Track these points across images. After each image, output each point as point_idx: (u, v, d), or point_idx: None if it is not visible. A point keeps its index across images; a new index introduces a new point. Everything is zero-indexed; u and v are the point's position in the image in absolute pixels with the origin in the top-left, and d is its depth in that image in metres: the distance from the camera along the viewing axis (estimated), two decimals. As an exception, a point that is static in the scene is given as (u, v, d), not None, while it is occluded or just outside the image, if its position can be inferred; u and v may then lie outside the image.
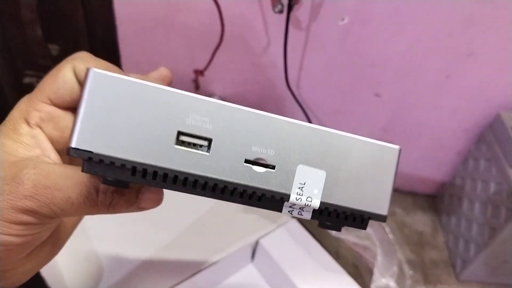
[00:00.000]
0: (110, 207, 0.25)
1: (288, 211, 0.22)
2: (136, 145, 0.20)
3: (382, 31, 0.59)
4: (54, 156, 0.26)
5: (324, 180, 0.21)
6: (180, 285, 0.48)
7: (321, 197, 0.21)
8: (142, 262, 0.50)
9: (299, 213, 0.22)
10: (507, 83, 0.61)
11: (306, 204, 0.21)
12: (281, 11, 0.56)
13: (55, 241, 0.29)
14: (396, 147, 0.22)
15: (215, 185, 0.21)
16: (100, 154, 0.20)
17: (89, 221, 0.52)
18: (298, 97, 0.68)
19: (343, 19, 0.59)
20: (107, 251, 0.50)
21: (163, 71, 0.34)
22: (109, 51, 0.70)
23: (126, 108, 0.20)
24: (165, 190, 0.24)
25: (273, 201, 0.22)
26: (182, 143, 0.20)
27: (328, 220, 0.22)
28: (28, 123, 0.26)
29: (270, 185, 0.21)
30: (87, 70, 0.20)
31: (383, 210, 0.22)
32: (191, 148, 0.20)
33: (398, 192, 0.79)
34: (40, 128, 0.26)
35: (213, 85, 0.72)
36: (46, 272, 0.47)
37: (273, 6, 0.56)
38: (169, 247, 0.52)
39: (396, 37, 0.59)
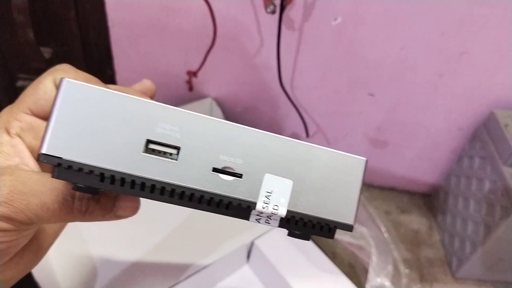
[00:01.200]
0: (86, 214, 0.25)
1: (256, 219, 0.22)
2: (104, 152, 0.21)
3: (376, 31, 0.59)
4: (33, 164, 0.27)
5: (291, 189, 0.22)
6: (175, 287, 0.48)
7: (288, 206, 0.22)
8: (136, 264, 0.50)
9: (267, 221, 0.23)
10: (500, 82, 0.61)
11: (273, 212, 0.22)
12: (273, 12, 0.56)
13: (36, 249, 0.29)
14: (363, 159, 0.23)
15: (183, 193, 0.21)
16: (69, 160, 0.20)
17: (84, 223, 0.52)
18: (292, 98, 0.68)
19: (336, 19, 0.59)
20: (101, 253, 0.50)
21: (146, 83, 0.34)
22: (102, 54, 0.70)
23: (96, 116, 0.21)
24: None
25: (240, 209, 0.22)
26: (151, 151, 0.21)
27: (296, 228, 0.23)
28: (8, 133, 0.26)
29: (237, 193, 0.22)
30: (61, 80, 0.21)
31: (349, 220, 0.23)
32: (160, 156, 0.21)
33: (394, 191, 0.79)
34: (20, 137, 0.27)
35: (207, 86, 0.72)
36: (40, 275, 0.47)
37: (266, 6, 0.56)
38: (164, 248, 0.52)
39: (389, 37, 0.59)
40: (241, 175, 0.22)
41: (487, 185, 0.61)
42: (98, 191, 0.23)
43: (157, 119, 0.21)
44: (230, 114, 0.75)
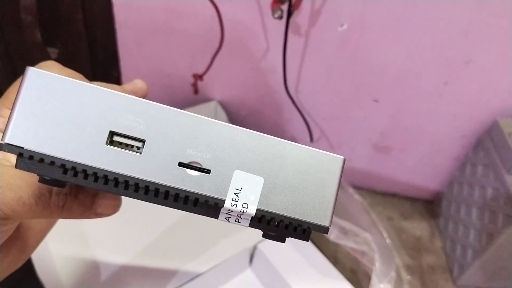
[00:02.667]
0: (64, 210, 0.25)
1: (225, 218, 0.21)
2: (67, 144, 0.20)
3: (381, 38, 0.60)
4: (14, 160, 0.26)
5: (261, 187, 0.21)
6: (179, 290, 0.49)
7: (258, 204, 0.21)
8: (139, 267, 0.50)
9: (237, 220, 0.21)
10: (505, 90, 0.62)
11: (242, 210, 0.21)
12: (280, 17, 0.57)
13: (22, 247, 0.28)
14: (340, 157, 0.22)
15: (147, 187, 0.21)
16: (30, 150, 0.20)
17: (88, 224, 0.52)
18: (296, 102, 0.69)
19: (342, 25, 0.59)
20: (104, 253, 0.50)
21: (138, 83, 0.34)
22: (108, 55, 0.70)
23: (60, 106, 0.20)
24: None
25: (208, 206, 0.21)
26: (114, 143, 0.20)
27: (268, 229, 0.22)
28: None
29: (204, 190, 0.21)
30: (25, 68, 0.20)
31: (325, 221, 0.21)
32: (123, 148, 0.20)
33: (396, 197, 0.79)
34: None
35: (212, 90, 0.73)
36: (43, 274, 0.47)
37: (273, 12, 0.56)
38: (167, 251, 0.52)
39: (395, 44, 0.60)
40: (209, 170, 0.21)
41: (489, 193, 0.61)
42: (65, 184, 0.22)
43: (122, 110, 0.20)
44: (234, 118, 0.75)
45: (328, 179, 0.21)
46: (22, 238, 0.28)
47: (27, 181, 0.24)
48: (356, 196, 0.68)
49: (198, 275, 0.50)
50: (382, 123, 0.70)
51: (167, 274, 0.50)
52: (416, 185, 0.78)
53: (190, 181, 0.21)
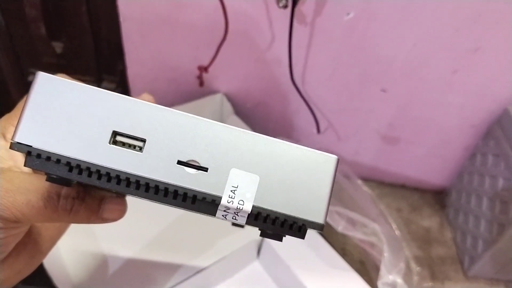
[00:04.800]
0: (71, 214, 0.26)
1: (222, 215, 0.22)
2: (73, 143, 0.21)
3: (388, 26, 0.59)
4: (26, 169, 0.27)
5: (257, 185, 0.22)
6: (185, 283, 0.48)
7: (254, 201, 0.22)
8: (146, 261, 0.50)
9: (233, 217, 0.22)
10: (515, 78, 0.61)
11: (238, 207, 0.22)
12: (285, 6, 0.56)
13: (32, 252, 0.29)
14: (334, 156, 0.23)
15: (147, 185, 0.22)
16: (38, 149, 0.21)
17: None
18: (303, 93, 0.68)
19: (348, 14, 0.58)
20: (112, 248, 0.50)
21: (145, 97, 0.35)
22: (113, 49, 0.70)
23: (67, 108, 0.22)
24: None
25: (206, 203, 0.22)
26: (117, 143, 0.22)
27: (265, 227, 0.22)
28: (4, 138, 0.28)
29: (202, 187, 0.22)
30: (36, 73, 0.22)
31: (319, 219, 0.22)
32: (125, 147, 0.22)
33: (405, 189, 0.78)
34: None
35: (217, 82, 0.72)
36: (52, 270, 0.47)
37: (278, 1, 0.56)
38: (174, 245, 0.52)
39: (402, 32, 0.59)
40: (207, 168, 0.22)
41: (500, 183, 0.60)
42: (71, 183, 0.24)
43: (124, 112, 0.22)
44: (240, 110, 0.74)
45: (322, 177, 0.22)
46: (32, 244, 0.29)
47: (36, 185, 0.25)
48: (365, 188, 0.67)
49: (205, 268, 0.50)
50: (390, 113, 0.69)
51: (174, 267, 0.50)
52: (425, 176, 0.77)
53: (189, 179, 0.22)
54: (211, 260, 0.50)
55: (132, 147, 0.22)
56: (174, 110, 0.22)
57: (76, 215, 0.26)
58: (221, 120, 0.75)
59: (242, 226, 0.38)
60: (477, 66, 0.60)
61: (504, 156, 0.60)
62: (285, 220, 0.22)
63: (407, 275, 0.54)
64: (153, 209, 0.53)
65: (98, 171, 0.21)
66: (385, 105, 0.68)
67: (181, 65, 0.71)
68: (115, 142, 0.22)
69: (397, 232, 0.58)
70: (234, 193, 0.22)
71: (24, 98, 0.28)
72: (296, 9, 0.57)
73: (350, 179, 0.66)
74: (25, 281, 0.29)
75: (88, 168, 0.21)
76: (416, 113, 0.68)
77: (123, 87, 0.73)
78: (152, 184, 0.22)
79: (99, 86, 0.75)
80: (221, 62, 0.68)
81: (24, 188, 0.24)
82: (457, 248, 0.69)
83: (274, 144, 0.22)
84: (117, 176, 0.21)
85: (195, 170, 0.22)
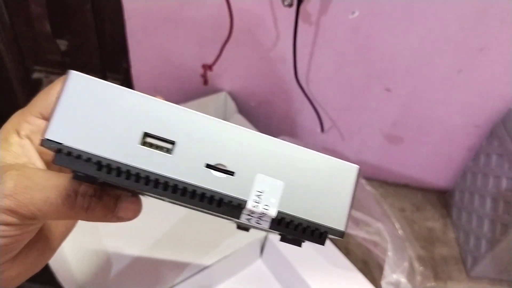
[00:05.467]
0: (88, 211, 0.26)
1: (246, 219, 0.23)
2: (103, 142, 0.22)
3: (393, 25, 0.59)
4: (40, 164, 0.28)
5: (282, 191, 0.22)
6: (189, 281, 0.48)
7: (278, 207, 0.22)
8: (150, 259, 0.50)
9: (257, 221, 0.23)
10: (520, 78, 0.60)
11: (263, 212, 0.22)
12: (290, 5, 0.56)
13: (42, 249, 0.29)
14: (355, 166, 0.23)
15: (175, 186, 0.22)
16: (68, 147, 0.21)
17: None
18: (307, 92, 0.68)
19: (353, 13, 0.58)
20: (115, 246, 0.50)
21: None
22: (117, 46, 0.70)
23: (98, 107, 0.22)
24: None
25: (231, 207, 0.22)
26: (147, 144, 0.22)
27: (287, 232, 0.23)
28: (18, 134, 0.28)
29: (228, 190, 0.22)
30: (67, 72, 0.22)
31: (340, 226, 0.23)
32: (155, 149, 0.22)
33: (408, 188, 0.78)
34: (29, 139, 0.28)
35: (222, 80, 0.72)
36: (56, 267, 0.47)
37: (283, -1, 0.56)
38: (177, 243, 0.52)
39: (407, 31, 0.59)
40: (233, 173, 0.22)
41: (504, 183, 0.60)
42: (97, 181, 0.24)
43: (155, 114, 0.22)
44: (244, 108, 0.74)
45: (344, 186, 0.23)
46: (42, 241, 0.29)
47: (54, 182, 0.25)
48: (368, 187, 0.67)
49: (209, 266, 0.50)
50: (394, 113, 0.69)
51: (178, 265, 0.50)
52: (429, 176, 0.77)
53: (216, 182, 0.22)
54: (214, 259, 0.50)
55: (161, 148, 0.22)
56: (204, 114, 0.22)
57: (92, 213, 0.26)
58: (225, 118, 0.75)
59: (247, 230, 0.38)
60: (481, 66, 0.60)
61: (508, 156, 0.60)
62: (307, 226, 0.23)
63: (410, 274, 0.54)
64: (157, 208, 0.54)
65: (128, 171, 0.22)
66: (389, 104, 0.68)
67: (186, 63, 0.71)
68: (144, 143, 0.22)
69: (400, 232, 0.58)
70: (259, 197, 0.22)
71: (39, 94, 0.29)
72: (301, 8, 0.57)
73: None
74: (29, 279, 0.30)
75: (118, 168, 0.22)
76: (420, 112, 0.68)
77: (127, 85, 0.73)
78: (180, 186, 0.22)
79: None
80: (225, 60, 0.68)
81: (42, 185, 0.24)
82: (460, 248, 0.68)
83: (299, 151, 0.23)
84: (147, 177, 0.22)
85: (223, 174, 0.22)
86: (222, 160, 0.22)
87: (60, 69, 0.74)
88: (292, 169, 0.23)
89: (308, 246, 0.52)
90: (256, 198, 0.22)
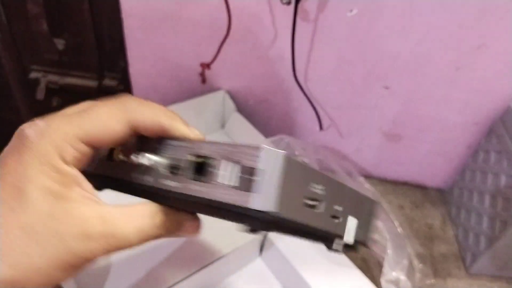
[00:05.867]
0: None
1: (334, 247, 0.32)
2: (292, 207, 0.27)
3: (392, 23, 0.58)
4: (91, 192, 0.27)
5: (356, 225, 0.32)
6: (189, 279, 0.48)
7: (354, 237, 0.32)
8: (149, 257, 0.50)
9: (337, 246, 0.32)
10: (518, 75, 0.60)
11: (346, 242, 0.32)
12: (289, 3, 0.56)
13: None
14: (378, 202, 0.35)
15: (311, 229, 0.29)
16: (284, 218, 0.26)
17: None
18: (306, 90, 0.68)
19: (351, 11, 0.58)
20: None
21: (194, 131, 0.33)
22: (115, 45, 0.70)
23: (297, 183, 0.27)
24: None
25: (332, 239, 0.31)
26: (306, 205, 0.28)
27: (343, 250, 0.32)
28: (64, 160, 0.25)
29: (335, 229, 0.30)
30: (282, 154, 0.24)
31: (368, 241, 0.35)
32: (311, 208, 0.28)
33: (407, 186, 0.78)
34: (75, 166, 0.26)
35: (220, 79, 0.72)
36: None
37: (281, -3, 0.56)
38: (177, 241, 0.52)
39: (406, 29, 0.59)
40: (339, 217, 0.30)
41: (503, 180, 0.60)
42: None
43: (311, 181, 0.27)
44: (242, 107, 0.74)
45: (371, 217, 0.35)
46: None
47: (136, 226, 0.28)
48: (367, 185, 0.67)
49: (208, 264, 0.50)
50: (393, 111, 0.69)
51: (178, 264, 0.50)
52: (428, 173, 0.77)
53: (333, 225, 0.30)
54: (214, 257, 0.50)
55: (314, 206, 0.28)
56: (341, 182, 0.30)
57: (166, 232, 0.30)
58: (223, 117, 0.75)
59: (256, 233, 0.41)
60: (480, 63, 0.60)
61: (507, 154, 0.60)
62: (355, 242, 0.32)
63: (409, 271, 0.54)
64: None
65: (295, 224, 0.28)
66: (388, 102, 0.68)
67: (184, 62, 0.71)
68: (305, 204, 0.27)
69: (399, 229, 0.58)
70: (348, 233, 0.31)
71: (81, 112, 0.26)
72: (299, 6, 0.57)
73: (352, 176, 0.66)
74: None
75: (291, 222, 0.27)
76: (419, 110, 0.68)
77: (125, 84, 0.73)
78: (319, 234, 0.30)
79: (100, 83, 0.75)
80: (223, 59, 0.68)
81: (128, 233, 0.28)
82: (459, 245, 0.69)
83: (364, 197, 0.33)
84: (302, 229, 0.28)
85: (336, 219, 0.30)
86: (336, 212, 0.30)
87: (57, 68, 0.74)
88: (360, 209, 0.32)
89: (307, 244, 0.52)
90: (347, 232, 0.31)
